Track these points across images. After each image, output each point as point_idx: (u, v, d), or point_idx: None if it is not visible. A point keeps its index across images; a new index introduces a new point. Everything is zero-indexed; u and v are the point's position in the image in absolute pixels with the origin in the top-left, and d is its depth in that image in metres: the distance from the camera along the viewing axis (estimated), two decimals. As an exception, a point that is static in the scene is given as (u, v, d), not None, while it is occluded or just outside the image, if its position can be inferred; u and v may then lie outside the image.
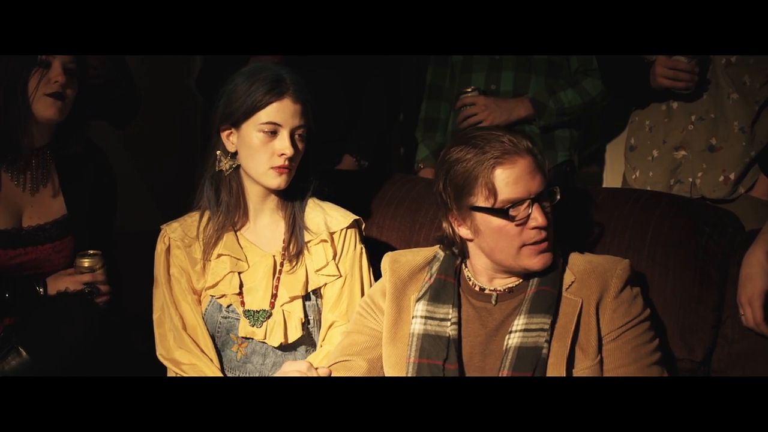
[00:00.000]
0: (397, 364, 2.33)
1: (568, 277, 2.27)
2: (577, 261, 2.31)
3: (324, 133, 3.41)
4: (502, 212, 2.21)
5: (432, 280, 2.36)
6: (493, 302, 2.31)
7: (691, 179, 3.15)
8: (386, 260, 2.46)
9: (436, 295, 2.34)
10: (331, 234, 2.58)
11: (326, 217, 2.60)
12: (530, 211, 2.21)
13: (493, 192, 2.21)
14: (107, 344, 2.62)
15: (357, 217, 2.62)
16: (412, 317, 2.33)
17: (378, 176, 3.09)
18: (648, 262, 2.48)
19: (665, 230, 2.51)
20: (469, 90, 3.43)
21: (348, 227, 2.60)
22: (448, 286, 2.34)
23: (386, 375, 2.34)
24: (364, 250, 2.62)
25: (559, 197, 2.28)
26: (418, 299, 2.34)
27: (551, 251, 2.27)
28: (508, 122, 3.39)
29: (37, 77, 2.57)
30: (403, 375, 2.29)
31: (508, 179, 2.21)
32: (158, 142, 4.07)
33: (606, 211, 2.58)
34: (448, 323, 2.29)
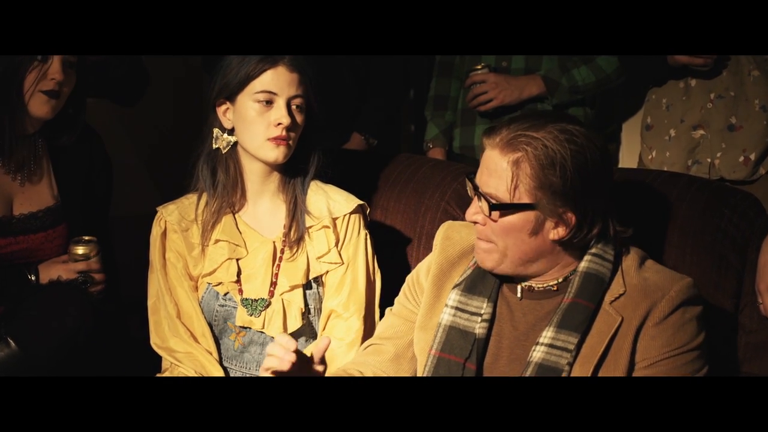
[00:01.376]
0: (422, 352, 2.20)
1: (616, 288, 2.08)
2: (631, 272, 2.11)
3: (331, 111, 3.41)
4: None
5: (474, 266, 2.20)
6: (518, 296, 2.16)
7: (709, 160, 3.12)
8: (440, 233, 2.31)
9: (472, 285, 2.17)
10: (334, 219, 2.50)
11: (329, 202, 2.52)
12: None
13: None
14: (102, 334, 2.56)
15: (361, 202, 2.55)
16: (445, 305, 2.19)
17: (382, 156, 3.03)
18: (664, 246, 2.41)
19: (682, 212, 2.44)
20: (479, 67, 3.35)
21: (351, 212, 2.52)
22: (487, 277, 2.17)
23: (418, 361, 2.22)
24: (368, 236, 2.55)
25: None
26: (455, 286, 2.18)
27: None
28: (520, 100, 3.32)
29: (35, 73, 2.50)
30: (423, 366, 2.17)
31: None
32: (160, 121, 4.00)
33: (620, 193, 2.40)
34: (479, 319, 2.14)
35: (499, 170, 2.05)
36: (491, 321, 2.15)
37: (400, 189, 2.85)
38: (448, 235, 2.29)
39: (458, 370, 2.12)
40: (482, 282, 2.17)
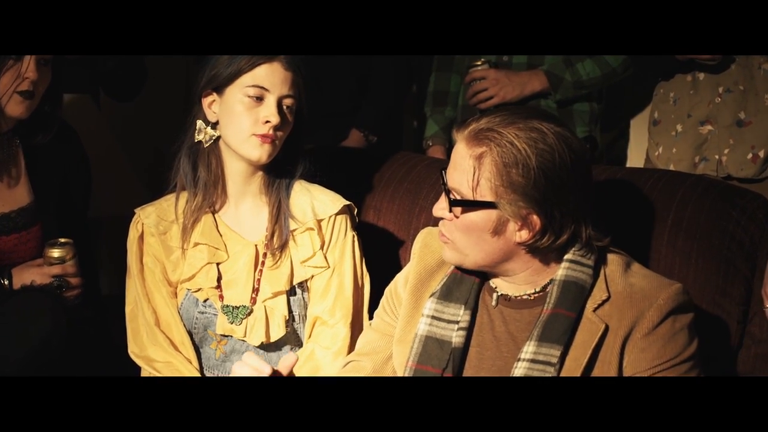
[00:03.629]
0: (400, 366, 2.11)
1: (599, 294, 1.98)
2: (616, 277, 2.00)
3: (329, 107, 3.36)
4: None
5: (450, 272, 2.11)
6: (494, 303, 2.06)
7: (717, 156, 3.06)
8: (418, 241, 2.21)
9: (447, 291, 2.08)
10: (319, 221, 2.42)
11: (314, 203, 2.44)
12: None
13: None
14: (81, 341, 2.51)
15: (348, 203, 2.46)
16: (421, 315, 2.09)
17: (377, 154, 2.98)
18: (668, 250, 2.33)
19: (688, 215, 2.36)
20: (479, 63, 3.28)
21: (337, 213, 2.44)
22: (465, 282, 2.08)
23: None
24: (355, 238, 2.46)
25: None
26: (431, 294, 2.09)
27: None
28: (522, 97, 3.26)
29: (10, 75, 2.43)
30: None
31: None
32: (149, 118, 3.92)
33: (622, 194, 2.44)
34: (455, 327, 2.05)
35: (463, 164, 1.96)
36: (469, 329, 2.06)
37: (393, 189, 2.79)
38: (426, 243, 2.19)
39: None
40: (458, 287, 2.08)
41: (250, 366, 1.95)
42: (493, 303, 2.06)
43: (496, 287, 2.06)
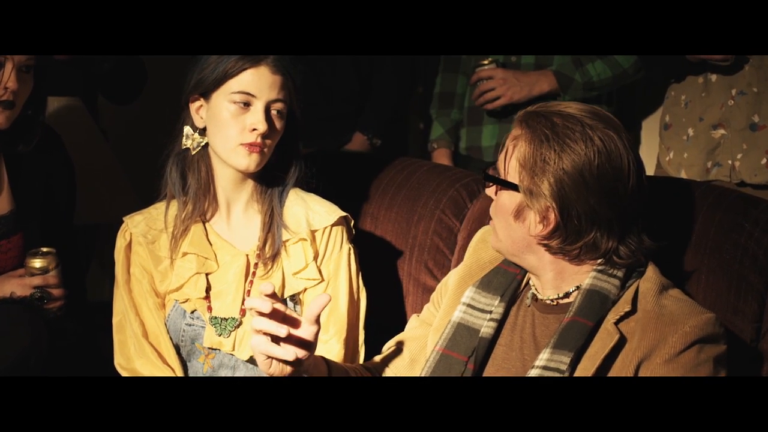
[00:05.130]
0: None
1: (623, 306, 1.93)
2: (648, 295, 1.95)
3: (331, 109, 3.36)
4: None
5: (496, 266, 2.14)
6: (528, 302, 2.05)
7: (730, 161, 3.01)
8: (476, 236, 2.24)
9: (488, 282, 2.09)
10: (313, 232, 2.37)
11: (308, 213, 2.39)
12: None
13: None
14: (67, 354, 2.46)
15: (344, 214, 2.41)
16: (460, 303, 2.10)
17: (376, 159, 2.94)
18: (675, 265, 2.24)
19: (697, 227, 2.28)
20: (486, 62, 3.29)
21: (333, 225, 2.39)
22: (506, 275, 2.09)
23: None
24: (352, 250, 2.41)
25: None
26: (473, 285, 2.11)
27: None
28: (530, 98, 3.23)
29: None
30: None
31: None
32: (148, 121, 3.86)
33: None
34: (487, 317, 2.05)
35: (506, 144, 2.01)
36: (500, 322, 2.06)
37: (391, 195, 2.72)
38: (483, 238, 2.21)
39: (459, 368, 2.03)
40: (498, 279, 2.09)
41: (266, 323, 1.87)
42: (528, 302, 2.05)
43: (533, 285, 2.06)
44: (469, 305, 2.07)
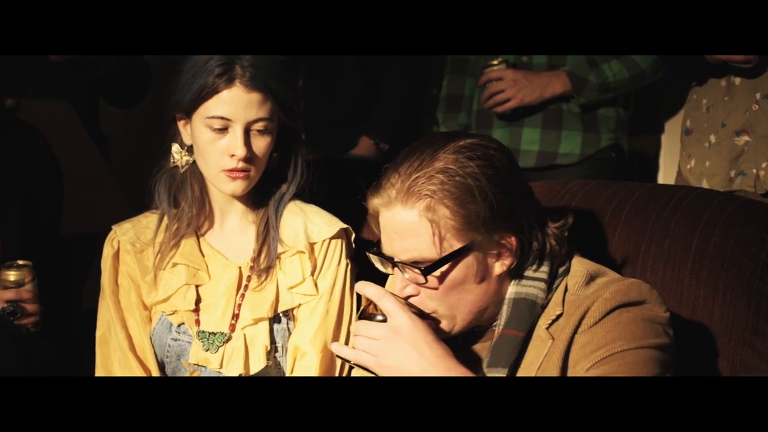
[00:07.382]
0: None
1: (553, 309, 1.88)
2: (576, 289, 1.90)
3: (336, 112, 3.32)
4: None
5: None
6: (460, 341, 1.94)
7: (754, 170, 2.89)
8: None
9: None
10: (311, 245, 2.28)
11: (307, 224, 2.30)
12: None
13: None
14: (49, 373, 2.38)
15: (345, 226, 2.32)
16: None
17: (377, 165, 2.77)
18: (691, 281, 2.14)
19: (714, 239, 2.16)
20: (496, 63, 3.25)
21: (332, 237, 2.30)
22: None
23: None
24: (350, 267, 2.31)
25: None
26: None
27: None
28: (541, 100, 3.21)
29: None
30: None
31: None
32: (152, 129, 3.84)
33: (639, 215, 2.26)
34: None
35: (412, 227, 1.83)
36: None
37: None
38: None
39: None
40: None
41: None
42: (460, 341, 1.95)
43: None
44: None
